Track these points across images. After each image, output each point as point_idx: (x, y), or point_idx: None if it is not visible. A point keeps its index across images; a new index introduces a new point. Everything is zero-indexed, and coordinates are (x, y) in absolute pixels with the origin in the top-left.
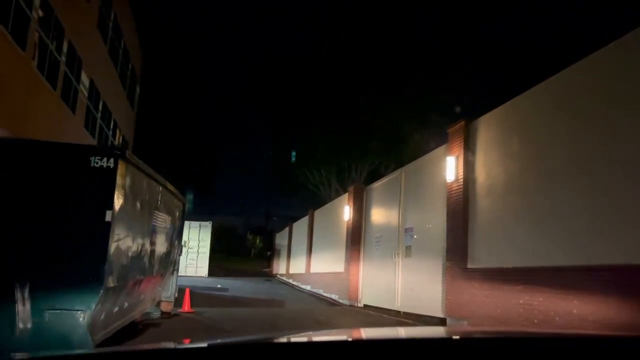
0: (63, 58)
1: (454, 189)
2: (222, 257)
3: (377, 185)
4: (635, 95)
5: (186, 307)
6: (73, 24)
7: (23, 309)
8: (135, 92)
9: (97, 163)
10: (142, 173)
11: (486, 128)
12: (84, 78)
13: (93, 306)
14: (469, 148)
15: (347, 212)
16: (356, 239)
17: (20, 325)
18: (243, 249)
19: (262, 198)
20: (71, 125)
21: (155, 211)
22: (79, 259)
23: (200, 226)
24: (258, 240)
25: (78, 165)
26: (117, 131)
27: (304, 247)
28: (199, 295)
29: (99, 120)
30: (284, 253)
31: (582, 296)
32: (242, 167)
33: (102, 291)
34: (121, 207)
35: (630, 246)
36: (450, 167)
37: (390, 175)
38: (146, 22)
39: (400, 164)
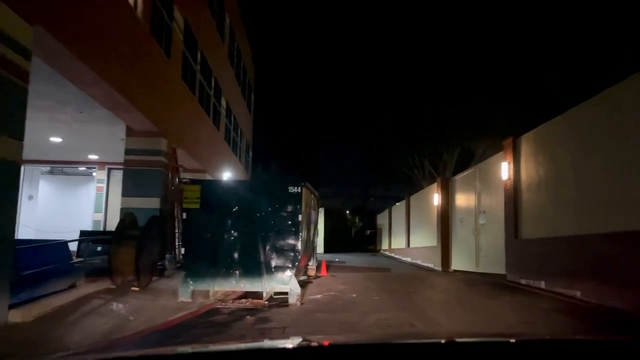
0: (212, 92)
1: (507, 184)
2: (326, 236)
3: (458, 177)
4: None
5: (324, 272)
6: (216, 64)
7: (266, 269)
8: (251, 100)
9: (292, 190)
10: (308, 190)
11: (526, 143)
12: (223, 102)
13: (295, 265)
14: (516, 156)
15: (436, 198)
16: (445, 219)
17: (265, 275)
18: (344, 228)
19: (359, 180)
20: (218, 140)
21: (312, 210)
22: (288, 239)
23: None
24: (357, 220)
25: (284, 191)
26: (243, 138)
27: (403, 226)
28: (327, 265)
29: (232, 132)
30: (385, 231)
31: (580, 250)
32: (340, 151)
33: (298, 258)
34: (302, 212)
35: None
36: (504, 169)
37: (468, 171)
38: (256, 36)
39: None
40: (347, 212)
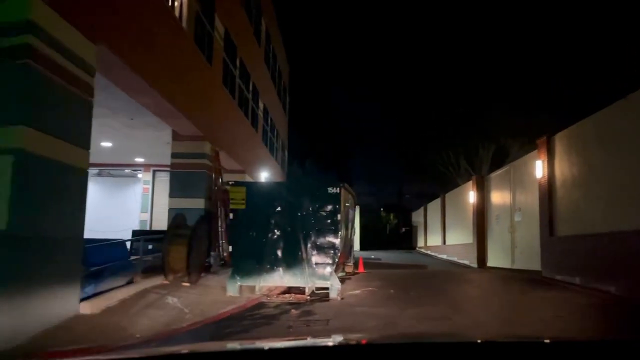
0: (250, 95)
1: (541, 182)
2: (361, 234)
3: (494, 175)
4: None
5: (361, 269)
6: (253, 67)
7: (307, 265)
8: (286, 100)
9: (332, 190)
10: (346, 191)
11: (559, 142)
12: (260, 104)
13: (335, 261)
14: (550, 155)
15: (472, 196)
16: (480, 217)
17: (307, 271)
18: (379, 226)
19: (393, 178)
20: (256, 141)
21: (350, 210)
22: (328, 238)
23: None
24: (392, 217)
25: (324, 192)
26: (279, 138)
27: (439, 223)
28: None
29: (269, 133)
30: (420, 229)
31: (614, 247)
32: (374, 149)
33: (338, 255)
34: (341, 212)
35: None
36: (539, 167)
37: (503, 169)
38: (290, 35)
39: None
40: (382, 209)
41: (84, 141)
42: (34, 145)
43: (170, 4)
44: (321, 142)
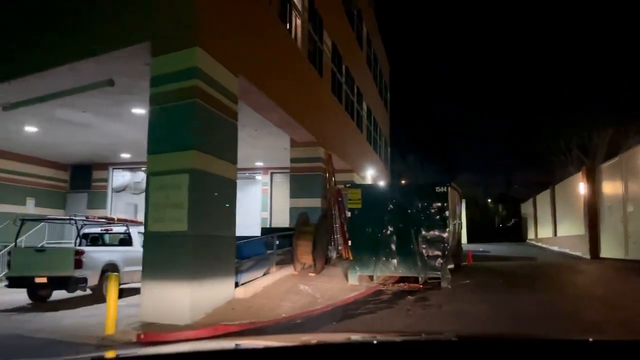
0: (355, 98)
1: None
2: (468, 226)
3: (604, 166)
4: None
5: (470, 260)
6: (357, 72)
7: (419, 257)
8: (387, 98)
9: (439, 189)
10: (452, 189)
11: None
12: (364, 106)
13: (444, 254)
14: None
15: (582, 187)
16: (591, 208)
17: (419, 263)
18: (486, 218)
19: (501, 168)
20: (361, 141)
21: (457, 206)
22: (437, 232)
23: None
24: (500, 208)
25: (432, 191)
26: (382, 136)
27: (548, 215)
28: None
29: (372, 133)
30: (530, 220)
31: None
32: (480, 138)
33: (447, 248)
34: (449, 208)
35: None
36: None
37: (614, 160)
38: (390, 35)
39: None
40: (489, 200)
41: (232, 157)
42: (200, 164)
43: (288, 27)
44: (425, 136)
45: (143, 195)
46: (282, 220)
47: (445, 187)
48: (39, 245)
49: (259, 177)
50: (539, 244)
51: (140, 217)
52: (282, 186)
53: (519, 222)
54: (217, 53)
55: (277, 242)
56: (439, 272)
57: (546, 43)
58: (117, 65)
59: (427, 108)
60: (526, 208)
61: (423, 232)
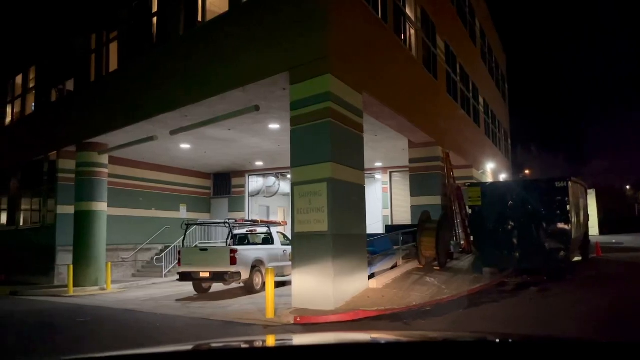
0: (470, 94)
1: None
2: (600, 217)
3: None
4: None
5: (599, 253)
6: (471, 68)
7: (541, 250)
8: (505, 89)
9: (559, 184)
10: (574, 182)
11: None
12: (481, 100)
13: (567, 246)
14: None
15: None
16: None
17: (541, 256)
18: (622, 206)
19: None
20: (479, 136)
21: (580, 199)
22: (559, 226)
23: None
24: None
25: (552, 187)
26: (501, 128)
27: None
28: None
29: (490, 125)
30: None
31: None
32: (612, 121)
33: (571, 240)
34: (570, 202)
35: None
36: None
37: None
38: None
39: None
40: (627, 187)
41: (360, 165)
42: (336, 173)
43: (402, 39)
44: (549, 124)
45: (273, 198)
46: (402, 217)
47: (565, 182)
48: (193, 245)
49: (378, 176)
50: None
51: (272, 218)
52: (401, 184)
53: None
54: (345, 76)
55: (402, 238)
56: (562, 264)
57: None
58: (260, 93)
59: (550, 95)
60: None
61: (544, 226)
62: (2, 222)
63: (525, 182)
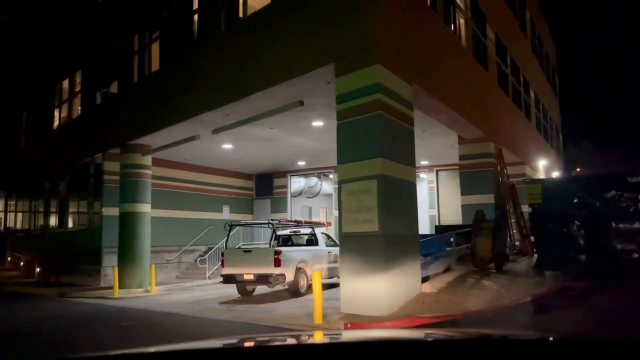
0: (521, 88)
1: None
2: None
3: None
4: None
5: None
6: (522, 60)
7: (611, 252)
8: (555, 82)
9: (632, 180)
10: None
11: None
12: (532, 94)
13: None
14: None
15: None
16: None
17: (611, 257)
18: None
19: None
20: (531, 131)
21: None
22: (630, 225)
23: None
24: None
25: (624, 182)
26: (552, 123)
27: None
28: None
29: (541, 120)
30: None
31: None
32: None
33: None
34: None
35: None
36: None
37: None
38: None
39: None
40: None
41: (411, 160)
42: (386, 170)
43: (452, 29)
44: (603, 118)
45: (316, 198)
46: (450, 217)
47: (638, 178)
48: (236, 247)
49: (423, 175)
50: None
51: (314, 219)
52: (448, 183)
53: None
54: (394, 66)
55: (454, 240)
56: (635, 267)
57: None
58: (304, 87)
59: (603, 88)
60: None
61: (614, 226)
62: (53, 224)
63: (591, 178)
